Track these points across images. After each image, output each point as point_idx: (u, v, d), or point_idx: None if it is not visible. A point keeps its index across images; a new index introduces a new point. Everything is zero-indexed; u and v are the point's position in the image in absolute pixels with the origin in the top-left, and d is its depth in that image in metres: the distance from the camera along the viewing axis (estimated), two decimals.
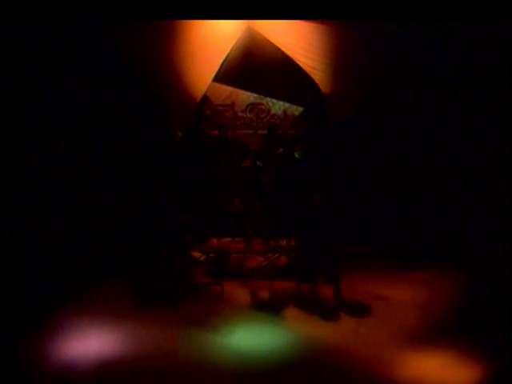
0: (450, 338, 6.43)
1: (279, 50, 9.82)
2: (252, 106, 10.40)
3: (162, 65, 9.25)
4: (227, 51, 9.78)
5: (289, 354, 6.23)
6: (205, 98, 10.10)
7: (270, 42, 9.79)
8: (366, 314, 7.26)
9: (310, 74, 9.69)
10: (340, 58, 9.40)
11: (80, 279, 7.82)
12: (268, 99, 10.43)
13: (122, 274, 8.11)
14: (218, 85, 10.29)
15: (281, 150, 9.17)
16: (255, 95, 10.45)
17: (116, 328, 6.68)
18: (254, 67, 10.23)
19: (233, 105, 10.35)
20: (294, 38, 9.49)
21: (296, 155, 9.42)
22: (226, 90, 10.43)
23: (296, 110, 10.42)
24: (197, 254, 8.88)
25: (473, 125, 9.27)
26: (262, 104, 10.43)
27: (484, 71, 8.97)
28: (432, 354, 6.16)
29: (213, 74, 9.74)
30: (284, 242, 8.89)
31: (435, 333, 6.59)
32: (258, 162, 9.01)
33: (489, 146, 9.19)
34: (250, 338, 6.58)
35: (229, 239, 9.25)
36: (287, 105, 10.37)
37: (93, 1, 7.82)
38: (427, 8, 7.81)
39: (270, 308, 7.48)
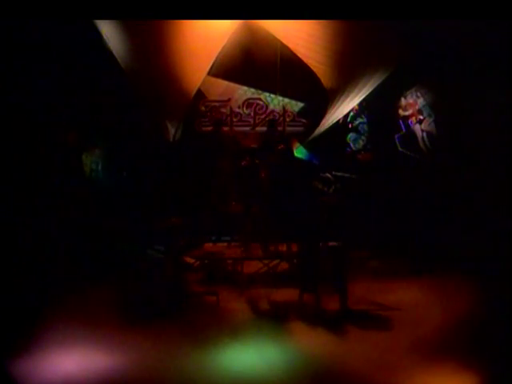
0: (465, 351, 5.90)
1: (279, 41, 9.35)
2: (249, 102, 10.09)
3: (153, 59, 8.80)
4: (223, 43, 9.21)
5: (291, 371, 5.71)
6: (199, 93, 9.70)
7: (269, 33, 9.28)
8: (375, 326, 6.67)
9: (311, 67, 9.25)
10: (344, 50, 8.94)
11: (63, 287, 7.37)
12: (266, 94, 10.06)
13: (107, 281, 7.65)
14: (213, 79, 9.89)
15: (281, 146, 8.59)
16: (252, 90, 10.06)
17: (101, 342, 6.13)
18: (252, 60, 9.79)
19: (229, 100, 10.02)
20: (295, 29, 8.98)
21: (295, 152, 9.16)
22: (222, 84, 10.06)
23: (296, 105, 10.13)
24: (190, 260, 8.28)
25: (473, 125, 9.14)
26: (259, 99, 10.08)
27: (484, 70, 8.85)
28: (447, 369, 5.62)
29: (207, 68, 9.24)
30: (285, 246, 8.32)
31: (451, 346, 6.07)
32: (256, 161, 8.41)
33: (490, 147, 9.00)
34: (247, 353, 6.02)
35: (225, 244, 8.76)
36: (286, 100, 10.11)
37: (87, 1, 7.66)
38: (427, 8, 7.68)
39: (269, 320, 6.89)
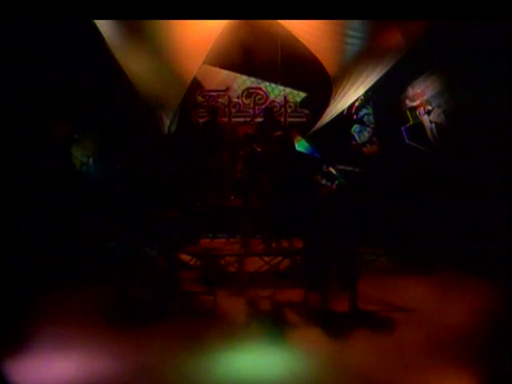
0: (480, 353, 5.58)
1: (280, 26, 8.83)
2: (249, 92, 9.70)
3: (145, 47, 8.37)
4: (220, 29, 8.65)
5: (295, 377, 5.36)
6: (196, 83, 9.36)
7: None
8: (387, 329, 6.26)
9: (314, 53, 8.82)
10: (350, 35, 8.44)
11: (45, 288, 7.03)
12: (266, 84, 9.63)
13: (94, 280, 7.30)
14: (210, 68, 9.54)
15: (279, 132, 8.11)
16: (252, 79, 9.64)
17: (92, 344, 5.79)
18: (251, 47, 9.35)
19: (227, 90, 9.66)
20: None
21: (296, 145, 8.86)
22: (220, 73, 9.71)
23: (297, 95, 9.74)
24: (185, 257, 7.87)
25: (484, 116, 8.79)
26: (259, 89, 9.69)
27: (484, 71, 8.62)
28: (461, 372, 5.30)
29: (203, 56, 8.75)
30: (287, 242, 7.92)
31: (465, 348, 5.70)
32: (257, 149, 7.91)
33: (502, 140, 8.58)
34: (248, 358, 5.64)
35: (223, 240, 8.38)
36: (288, 90, 9.73)
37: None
38: (428, 8, 7.53)
39: (272, 322, 6.53)
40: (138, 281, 7.22)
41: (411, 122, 9.64)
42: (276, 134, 8.06)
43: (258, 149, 7.82)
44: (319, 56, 8.72)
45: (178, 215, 7.45)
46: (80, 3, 7.43)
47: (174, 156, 8.88)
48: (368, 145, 9.76)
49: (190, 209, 8.07)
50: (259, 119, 9.40)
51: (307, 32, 8.54)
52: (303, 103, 9.57)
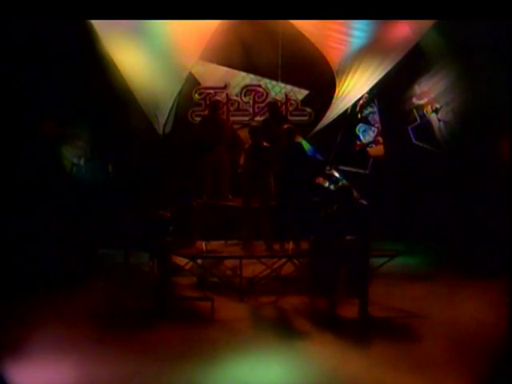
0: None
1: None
2: (248, 89, 9.34)
3: (139, 42, 8.05)
4: (217, 22, 8.24)
5: None
6: (193, 80, 9.05)
7: None
8: (400, 337, 5.81)
9: (317, 46, 8.48)
10: (354, 28, 8.16)
11: (27, 291, 6.64)
12: (267, 81, 9.24)
13: (81, 285, 6.97)
14: (207, 64, 9.19)
15: (287, 125, 7.59)
16: (251, 76, 9.26)
17: (81, 354, 5.37)
18: (251, 43, 8.89)
19: (225, 87, 9.30)
20: None
21: None
22: (218, 70, 9.31)
23: (299, 93, 9.25)
24: (180, 261, 7.46)
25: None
26: (259, 86, 9.33)
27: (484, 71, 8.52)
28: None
29: (199, 51, 8.44)
30: (291, 244, 7.51)
31: (484, 359, 5.15)
32: (264, 144, 7.40)
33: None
34: (249, 370, 5.20)
35: (221, 242, 7.98)
36: (289, 87, 9.23)
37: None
38: (428, 7, 7.41)
39: (274, 331, 6.06)
40: (130, 287, 6.85)
41: (418, 121, 9.41)
42: (285, 126, 7.61)
43: (265, 143, 7.38)
44: (322, 50, 8.40)
45: (171, 215, 7.07)
46: (78, 3, 7.23)
47: (170, 153, 8.51)
48: (373, 145, 9.49)
49: (185, 208, 7.72)
50: (259, 117, 8.99)
51: (310, 24, 8.17)
52: (305, 101, 9.20)
